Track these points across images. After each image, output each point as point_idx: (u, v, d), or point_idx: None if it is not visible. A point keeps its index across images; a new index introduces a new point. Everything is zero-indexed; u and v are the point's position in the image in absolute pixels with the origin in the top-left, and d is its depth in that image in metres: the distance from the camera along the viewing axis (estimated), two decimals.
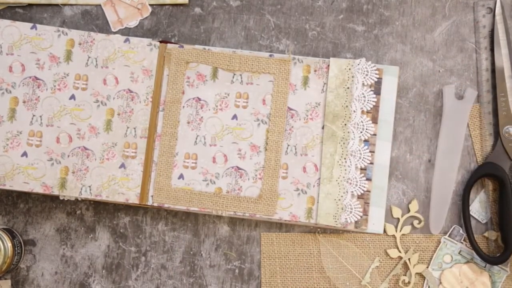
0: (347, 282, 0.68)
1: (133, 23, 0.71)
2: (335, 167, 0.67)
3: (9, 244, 0.66)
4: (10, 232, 0.68)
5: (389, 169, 0.68)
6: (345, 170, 0.67)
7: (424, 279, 0.68)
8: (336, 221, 0.66)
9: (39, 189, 0.66)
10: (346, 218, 0.66)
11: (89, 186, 0.67)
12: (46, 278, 0.70)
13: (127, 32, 0.71)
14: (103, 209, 0.70)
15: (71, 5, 0.71)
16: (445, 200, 0.68)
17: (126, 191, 0.67)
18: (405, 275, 0.68)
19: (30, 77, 0.67)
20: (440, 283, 0.68)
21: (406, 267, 0.68)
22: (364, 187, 0.67)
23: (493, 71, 0.69)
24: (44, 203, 0.70)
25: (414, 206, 0.69)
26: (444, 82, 0.70)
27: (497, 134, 0.69)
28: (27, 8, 0.71)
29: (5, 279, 0.69)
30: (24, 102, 0.67)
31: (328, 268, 0.68)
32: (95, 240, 0.70)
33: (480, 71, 0.70)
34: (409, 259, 0.68)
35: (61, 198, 0.67)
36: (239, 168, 0.67)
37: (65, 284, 0.70)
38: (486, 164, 0.68)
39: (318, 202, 0.67)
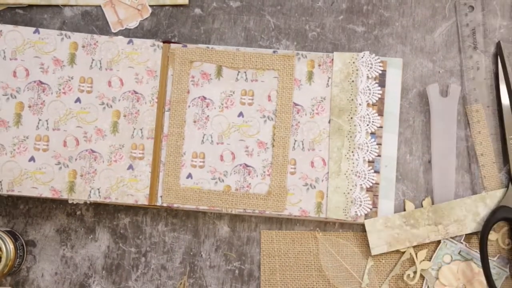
0: (345, 281, 0.68)
1: (133, 24, 0.71)
2: (343, 161, 0.67)
3: (11, 247, 0.66)
4: (12, 235, 0.68)
5: None
6: (353, 163, 0.67)
7: (424, 279, 0.68)
8: (346, 215, 0.66)
9: (48, 194, 0.66)
10: (355, 211, 0.66)
11: (98, 189, 0.67)
12: (46, 278, 0.70)
13: (127, 33, 0.71)
14: (103, 210, 0.70)
15: (71, 6, 0.71)
16: (446, 201, 0.68)
17: (135, 193, 0.67)
18: (409, 271, 0.68)
19: (34, 82, 0.67)
20: (437, 279, 0.68)
21: (405, 267, 0.68)
22: (372, 179, 0.67)
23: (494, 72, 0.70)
24: (44, 204, 0.70)
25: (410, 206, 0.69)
26: (444, 82, 0.70)
27: (507, 166, 0.69)
28: (27, 9, 0.71)
29: (5, 279, 0.69)
30: (29, 106, 0.67)
31: (327, 267, 0.68)
32: (95, 241, 0.70)
33: (480, 72, 0.70)
34: (416, 254, 0.68)
35: (70, 201, 0.67)
36: (247, 165, 0.67)
37: (65, 285, 0.69)
38: (500, 208, 0.67)
39: (327, 197, 0.67)
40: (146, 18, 0.71)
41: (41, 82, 0.67)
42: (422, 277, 0.68)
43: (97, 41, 0.68)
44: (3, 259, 0.65)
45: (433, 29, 0.71)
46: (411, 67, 0.71)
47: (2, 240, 0.66)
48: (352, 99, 0.68)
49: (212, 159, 0.68)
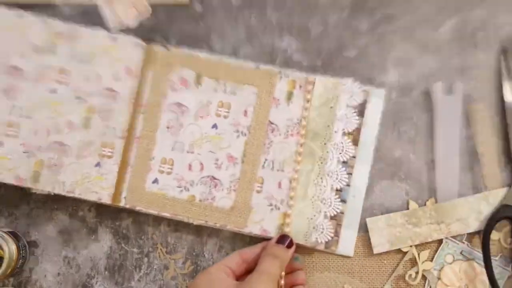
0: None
1: (132, 23, 0.70)
2: (310, 186, 0.66)
3: (14, 247, 0.66)
4: (15, 236, 0.68)
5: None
6: (320, 189, 0.66)
7: (426, 280, 0.68)
8: (306, 240, 0.66)
9: (10, 180, 0.66)
10: (316, 238, 0.66)
11: (63, 182, 0.66)
12: (49, 279, 0.70)
13: (126, 31, 0.69)
14: (105, 210, 0.69)
15: (69, 4, 0.70)
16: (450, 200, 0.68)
17: (100, 190, 0.67)
18: (411, 271, 0.68)
19: (11, 66, 0.67)
20: (439, 279, 0.67)
21: (407, 267, 0.68)
22: (338, 208, 0.66)
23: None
24: (46, 204, 0.70)
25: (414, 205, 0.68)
26: (448, 81, 0.68)
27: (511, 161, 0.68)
28: (25, 7, 0.69)
29: (8, 280, 0.69)
30: (4, 91, 0.67)
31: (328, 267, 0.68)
32: (98, 242, 0.70)
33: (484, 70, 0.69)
34: (418, 254, 0.67)
35: (33, 191, 0.67)
36: (214, 178, 0.67)
37: (68, 286, 0.69)
38: (503, 207, 0.66)
39: (290, 219, 0.66)
40: (146, 17, 0.70)
41: (17, 68, 0.67)
42: (424, 277, 0.68)
43: (79, 33, 0.67)
44: (6, 260, 0.66)
45: (437, 26, 0.69)
46: (416, 65, 0.69)
47: (5, 241, 0.66)
48: (329, 125, 0.67)
49: (180, 167, 0.67)
